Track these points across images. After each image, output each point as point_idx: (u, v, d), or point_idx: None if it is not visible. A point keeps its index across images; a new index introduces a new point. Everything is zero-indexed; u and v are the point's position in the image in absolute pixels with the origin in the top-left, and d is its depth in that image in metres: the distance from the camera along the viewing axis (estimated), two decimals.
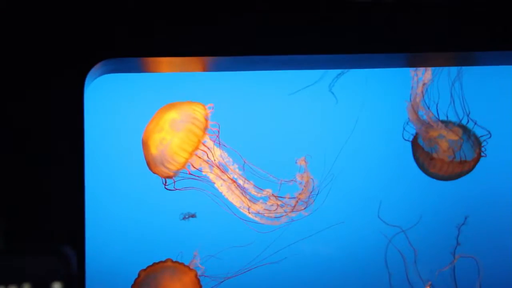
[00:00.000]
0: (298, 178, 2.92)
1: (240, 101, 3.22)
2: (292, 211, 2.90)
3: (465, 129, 3.04)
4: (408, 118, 3.05)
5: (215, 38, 2.57)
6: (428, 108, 3.02)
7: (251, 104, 3.23)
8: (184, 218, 2.94)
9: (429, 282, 3.01)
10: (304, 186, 2.92)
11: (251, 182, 2.88)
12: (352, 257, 3.21)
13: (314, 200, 2.90)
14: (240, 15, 2.57)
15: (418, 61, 2.84)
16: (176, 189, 2.83)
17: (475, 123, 3.01)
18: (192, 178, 2.84)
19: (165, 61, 2.65)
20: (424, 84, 3.04)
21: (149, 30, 2.56)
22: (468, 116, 3.01)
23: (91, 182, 2.54)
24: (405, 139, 3.08)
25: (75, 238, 2.42)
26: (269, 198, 2.89)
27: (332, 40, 2.58)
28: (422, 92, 3.03)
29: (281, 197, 2.89)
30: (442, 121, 3.04)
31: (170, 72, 2.93)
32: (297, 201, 2.90)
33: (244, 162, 2.85)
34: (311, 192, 2.92)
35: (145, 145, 2.82)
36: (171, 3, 2.57)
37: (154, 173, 2.80)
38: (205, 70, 2.84)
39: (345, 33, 2.58)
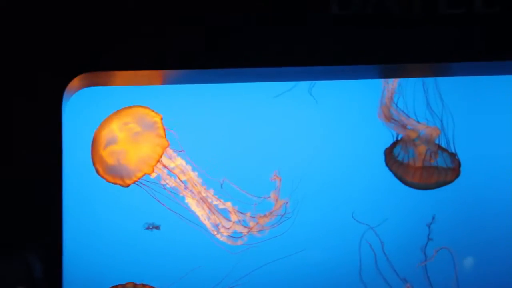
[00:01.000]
0: (272, 197, 2.98)
1: (215, 113, 3.27)
2: (249, 232, 2.95)
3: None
4: (383, 121, 3.10)
5: (192, 51, 2.63)
6: (402, 111, 3.08)
7: (226, 116, 3.28)
8: (147, 228, 2.99)
9: (408, 285, 3.08)
10: (273, 209, 2.97)
11: (211, 191, 2.93)
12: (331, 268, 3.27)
13: (275, 224, 2.95)
14: (226, 30, 2.64)
15: (394, 72, 2.91)
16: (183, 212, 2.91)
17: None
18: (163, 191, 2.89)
19: (143, 74, 2.71)
20: (393, 88, 3.08)
21: (127, 43, 2.62)
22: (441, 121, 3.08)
23: (69, 195, 2.60)
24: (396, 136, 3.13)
25: (50, 253, 2.50)
26: (230, 212, 2.94)
27: (308, 52, 2.64)
28: (393, 94, 3.07)
29: (241, 213, 2.95)
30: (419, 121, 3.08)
31: (149, 85, 2.98)
32: (256, 224, 2.95)
33: (222, 181, 2.91)
34: (277, 215, 2.97)
35: (96, 150, 2.81)
36: (151, 16, 2.63)
37: (104, 179, 2.80)
38: (183, 82, 2.91)
39: (321, 45, 2.64)
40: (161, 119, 2.85)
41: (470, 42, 2.65)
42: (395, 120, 3.08)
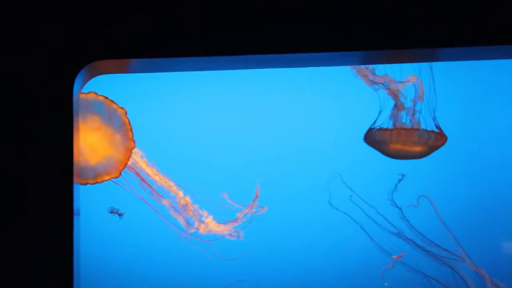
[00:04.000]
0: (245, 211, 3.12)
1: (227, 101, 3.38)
2: (202, 229, 3.12)
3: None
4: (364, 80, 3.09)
5: (197, 39, 2.64)
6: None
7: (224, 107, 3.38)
8: (111, 212, 3.09)
9: (399, 255, 3.20)
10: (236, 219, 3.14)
11: (172, 181, 3.08)
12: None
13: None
14: (226, 18, 2.64)
15: (375, 59, 2.87)
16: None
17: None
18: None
19: (154, 62, 2.71)
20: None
21: (138, 32, 2.64)
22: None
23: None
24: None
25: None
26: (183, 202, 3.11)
27: (295, 39, 2.63)
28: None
29: (197, 210, 3.10)
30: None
31: (161, 72, 2.99)
32: (206, 226, 3.12)
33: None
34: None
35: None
36: (159, 6, 2.64)
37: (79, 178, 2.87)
38: (193, 70, 2.90)
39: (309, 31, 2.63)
40: (125, 113, 2.96)
41: (464, 27, 2.65)
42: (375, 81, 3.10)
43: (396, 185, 3.12)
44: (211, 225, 3.13)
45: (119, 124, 2.99)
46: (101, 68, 2.72)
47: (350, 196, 3.17)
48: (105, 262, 3.34)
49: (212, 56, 2.65)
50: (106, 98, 2.98)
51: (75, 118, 2.65)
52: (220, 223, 3.13)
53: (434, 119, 3.08)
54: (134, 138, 2.99)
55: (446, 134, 3.08)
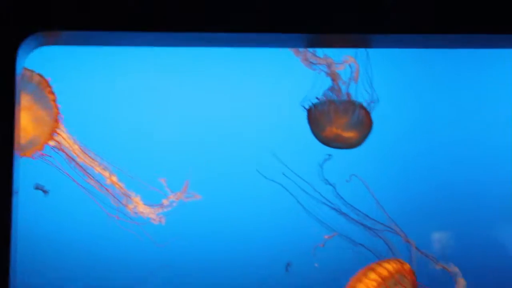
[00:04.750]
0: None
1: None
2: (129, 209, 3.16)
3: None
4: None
5: (144, 12, 2.63)
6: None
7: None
8: (36, 188, 3.08)
9: (331, 235, 3.20)
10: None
11: (100, 160, 3.11)
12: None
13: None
14: None
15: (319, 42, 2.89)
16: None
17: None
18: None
19: (99, 35, 2.67)
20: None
21: (83, 3, 2.60)
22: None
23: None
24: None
25: None
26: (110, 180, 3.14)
27: (239, 18, 2.64)
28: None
29: (125, 191, 3.13)
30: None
31: (107, 46, 2.97)
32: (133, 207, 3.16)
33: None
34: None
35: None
36: None
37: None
38: (138, 45, 2.94)
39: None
40: (55, 98, 2.97)
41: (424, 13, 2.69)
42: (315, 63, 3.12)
43: (321, 165, 3.23)
44: (139, 207, 3.14)
45: (48, 104, 2.99)
46: (46, 38, 2.67)
47: (283, 173, 3.26)
48: (31, 240, 3.29)
49: (156, 32, 2.66)
50: (41, 76, 2.96)
51: (17, 89, 2.59)
52: (148, 206, 3.16)
53: (369, 99, 3.17)
54: (62, 118, 3.00)
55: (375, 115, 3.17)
